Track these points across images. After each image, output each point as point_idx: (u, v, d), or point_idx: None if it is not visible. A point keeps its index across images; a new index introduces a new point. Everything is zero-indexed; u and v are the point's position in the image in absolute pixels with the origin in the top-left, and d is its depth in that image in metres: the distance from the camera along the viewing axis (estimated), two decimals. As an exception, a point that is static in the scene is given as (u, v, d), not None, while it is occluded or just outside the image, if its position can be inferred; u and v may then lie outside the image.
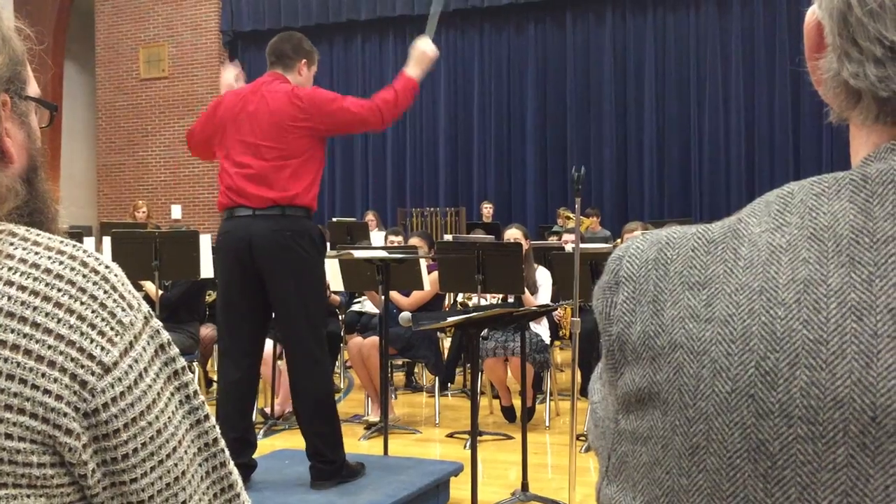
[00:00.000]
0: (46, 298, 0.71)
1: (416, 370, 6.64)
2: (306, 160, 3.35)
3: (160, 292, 5.26)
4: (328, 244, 6.38)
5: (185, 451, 0.76)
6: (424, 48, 3.47)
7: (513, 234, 5.40)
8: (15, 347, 0.69)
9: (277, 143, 3.31)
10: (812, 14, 0.62)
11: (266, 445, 4.29)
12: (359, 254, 4.75)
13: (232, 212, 3.36)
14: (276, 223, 3.28)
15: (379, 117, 3.37)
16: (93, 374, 0.71)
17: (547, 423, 5.24)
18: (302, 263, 3.30)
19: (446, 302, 6.26)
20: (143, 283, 5.29)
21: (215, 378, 6.35)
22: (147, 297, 5.21)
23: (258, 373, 3.54)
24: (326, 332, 3.70)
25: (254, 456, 3.49)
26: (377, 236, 7.48)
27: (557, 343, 6.33)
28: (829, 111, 0.63)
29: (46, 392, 0.69)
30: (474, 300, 5.32)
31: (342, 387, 6.43)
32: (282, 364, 5.39)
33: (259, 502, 3.22)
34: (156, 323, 0.77)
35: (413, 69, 3.46)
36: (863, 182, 0.57)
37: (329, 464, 3.37)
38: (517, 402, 5.18)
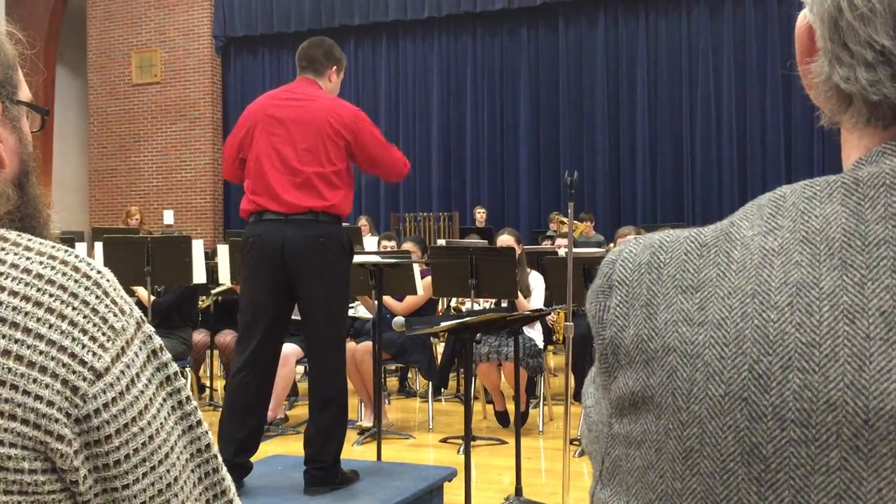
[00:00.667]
0: (38, 303, 0.71)
1: (409, 375, 6.64)
2: (342, 170, 3.37)
3: (152, 298, 5.25)
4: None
5: (178, 457, 0.76)
6: None
7: (505, 240, 5.41)
8: (6, 353, 0.69)
9: (316, 151, 3.32)
10: (803, 18, 0.63)
11: (259, 451, 4.27)
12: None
13: (261, 216, 3.35)
14: (310, 228, 3.30)
15: (405, 168, 3.58)
16: (84, 379, 0.70)
17: (541, 428, 5.24)
18: (331, 269, 3.33)
19: (439, 307, 6.26)
20: (135, 288, 5.28)
21: (207, 384, 6.35)
22: (139, 303, 5.19)
23: (271, 377, 3.51)
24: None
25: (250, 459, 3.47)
26: (370, 241, 7.47)
27: (551, 347, 6.34)
28: (820, 115, 0.64)
29: (38, 398, 0.69)
30: (467, 305, 5.32)
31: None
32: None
33: (252, 508, 3.21)
34: (148, 328, 0.77)
35: None
36: (854, 185, 0.57)
37: (324, 469, 3.36)
38: (511, 407, 5.18)
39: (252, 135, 3.41)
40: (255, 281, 3.38)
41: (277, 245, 3.28)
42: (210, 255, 6.13)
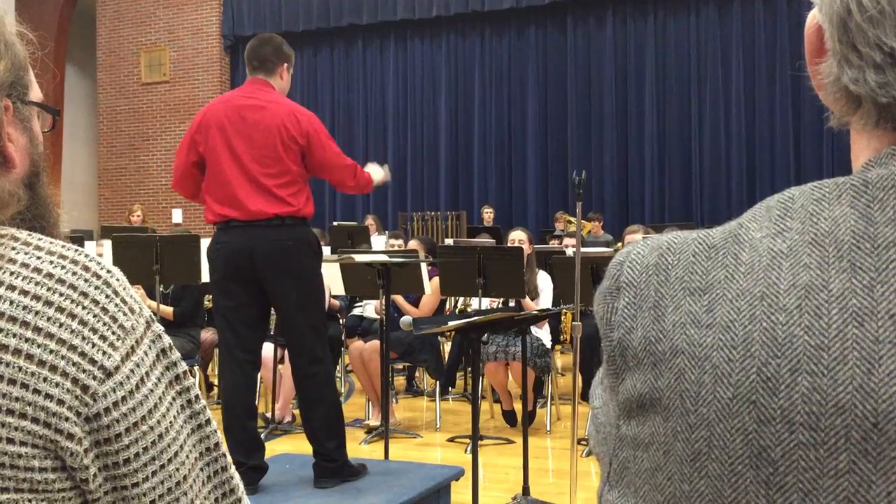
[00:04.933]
0: (48, 303, 0.71)
1: (416, 374, 6.64)
2: (302, 174, 3.40)
3: (170, 308, 5.34)
4: (329, 248, 6.38)
5: (187, 456, 0.76)
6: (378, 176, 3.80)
7: (517, 235, 5.40)
8: (17, 352, 0.69)
9: (278, 159, 3.34)
10: (812, 19, 0.63)
11: (267, 449, 4.29)
12: (360, 258, 4.74)
13: (227, 223, 3.38)
14: (276, 232, 3.33)
15: (353, 175, 3.53)
16: (94, 378, 0.71)
17: (548, 428, 5.23)
18: (303, 269, 3.37)
19: (447, 307, 6.26)
20: (138, 289, 5.31)
21: (216, 382, 6.37)
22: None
23: (255, 376, 3.59)
24: (328, 335, 3.76)
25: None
26: (377, 240, 7.47)
27: (558, 347, 6.33)
28: (829, 116, 0.63)
29: (48, 397, 0.69)
30: (474, 304, 5.31)
31: (343, 391, 6.42)
32: (282, 368, 5.39)
33: (260, 506, 3.22)
34: (157, 327, 0.77)
35: (374, 173, 3.77)
36: (863, 187, 0.57)
37: (332, 461, 3.41)
38: (518, 407, 5.18)
39: (207, 140, 3.39)
40: (226, 285, 3.41)
41: (246, 251, 3.32)
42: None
